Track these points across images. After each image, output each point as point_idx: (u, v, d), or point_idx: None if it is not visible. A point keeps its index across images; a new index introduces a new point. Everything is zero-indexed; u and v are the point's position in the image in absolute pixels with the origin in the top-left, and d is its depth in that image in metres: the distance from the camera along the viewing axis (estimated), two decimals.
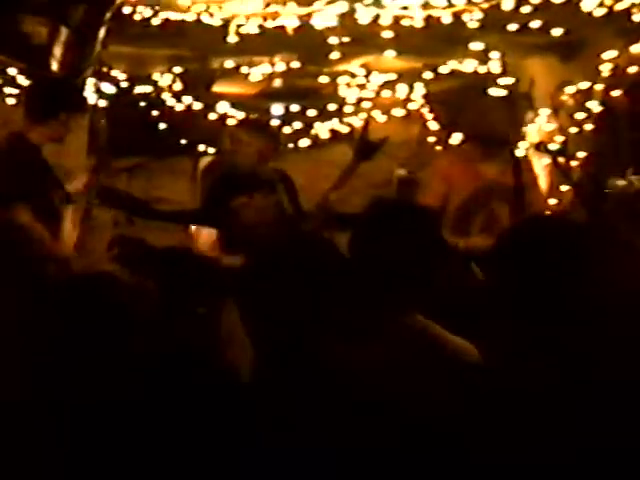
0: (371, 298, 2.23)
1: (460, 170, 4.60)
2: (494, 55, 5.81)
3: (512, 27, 5.56)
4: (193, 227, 5.04)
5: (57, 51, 5.23)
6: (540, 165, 5.34)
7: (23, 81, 5.37)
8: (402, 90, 5.99)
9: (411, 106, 6.03)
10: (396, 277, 2.31)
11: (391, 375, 1.92)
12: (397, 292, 2.29)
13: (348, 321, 2.11)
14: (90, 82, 5.44)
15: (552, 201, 5.38)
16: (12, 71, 5.31)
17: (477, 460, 1.70)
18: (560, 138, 5.71)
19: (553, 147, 5.33)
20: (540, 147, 5.09)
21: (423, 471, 1.71)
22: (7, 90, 5.30)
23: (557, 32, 5.57)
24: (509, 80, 5.81)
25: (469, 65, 5.86)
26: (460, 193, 4.57)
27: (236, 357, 2.18)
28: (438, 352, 2.23)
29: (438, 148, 5.87)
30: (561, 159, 5.13)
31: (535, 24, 5.52)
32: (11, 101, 5.39)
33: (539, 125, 5.82)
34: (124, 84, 5.78)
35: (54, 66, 5.27)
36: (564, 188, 5.36)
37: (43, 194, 4.41)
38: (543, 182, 5.28)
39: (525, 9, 5.49)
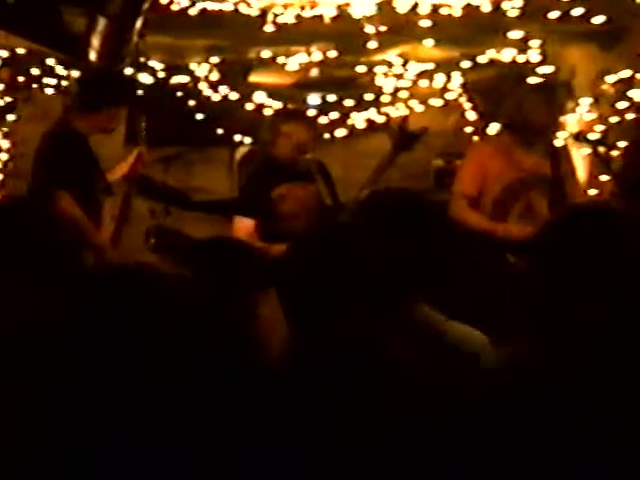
0: (378, 291, 2.21)
1: (496, 160, 4.56)
2: (534, 43, 5.76)
3: (553, 15, 5.51)
4: (231, 217, 5.04)
5: (95, 41, 5.26)
6: (580, 155, 5.28)
7: (61, 71, 5.40)
8: (440, 79, 5.95)
9: (449, 96, 5.99)
10: (398, 270, 2.28)
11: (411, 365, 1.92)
12: (400, 285, 2.27)
13: (378, 311, 2.12)
14: (128, 72, 5.46)
15: (592, 191, 5.33)
16: (50, 61, 5.35)
17: (494, 453, 1.64)
18: (600, 127, 5.65)
19: (593, 136, 5.27)
20: (580, 137, 5.04)
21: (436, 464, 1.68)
22: (46, 80, 5.34)
23: (598, 20, 5.51)
24: (549, 69, 5.75)
25: (508, 54, 5.81)
26: (497, 183, 4.54)
27: (275, 346, 2.18)
28: (439, 340, 2.23)
29: (476, 138, 5.83)
30: (601, 149, 5.08)
31: (576, 12, 5.47)
32: (50, 91, 5.43)
33: (579, 114, 5.76)
34: (161, 74, 5.80)
35: (92, 56, 5.29)
36: (604, 178, 5.31)
37: (86, 184, 4.45)
38: (583, 172, 5.23)
39: None
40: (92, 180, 4.48)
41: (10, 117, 5.32)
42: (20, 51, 5.35)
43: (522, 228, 4.31)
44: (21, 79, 5.42)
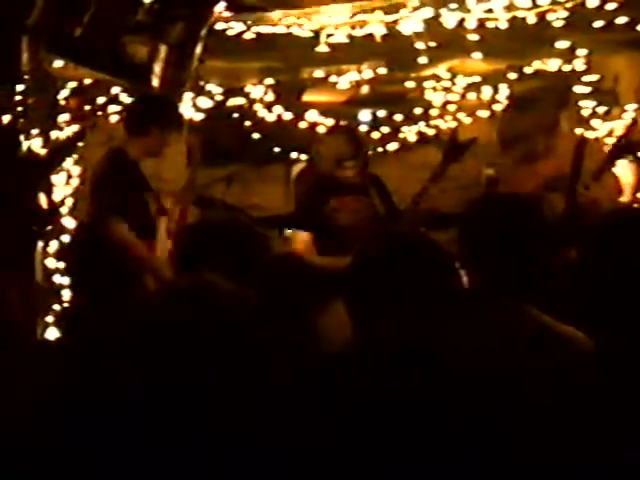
0: (482, 290, 2.27)
1: (517, 171, 4.76)
2: (580, 53, 5.86)
3: (597, 24, 5.59)
4: (289, 232, 5.21)
5: (157, 68, 5.48)
6: (626, 160, 5.39)
7: (125, 99, 5.64)
8: (487, 92, 6.08)
9: (496, 107, 6.12)
10: (509, 270, 2.33)
11: (501, 366, 1.96)
12: (509, 285, 2.32)
13: (455, 312, 2.17)
14: (188, 96, 5.68)
15: None
16: (115, 90, 5.59)
17: (585, 453, 1.72)
18: None
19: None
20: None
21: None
22: (111, 108, 5.57)
23: None
24: (593, 77, 5.85)
25: (554, 64, 5.92)
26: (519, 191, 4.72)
27: (337, 352, 2.29)
28: (549, 343, 2.25)
29: None
30: None
31: (620, 20, 5.55)
32: (114, 118, 5.67)
33: (625, 120, 5.85)
34: (219, 97, 6.01)
35: (155, 82, 5.52)
36: None
37: (140, 207, 4.63)
38: (630, 177, 5.34)
39: (610, 6, 5.52)
40: (144, 203, 4.65)
41: (79, 144, 5.56)
42: (87, 81, 5.59)
43: None
44: (87, 107, 5.66)
